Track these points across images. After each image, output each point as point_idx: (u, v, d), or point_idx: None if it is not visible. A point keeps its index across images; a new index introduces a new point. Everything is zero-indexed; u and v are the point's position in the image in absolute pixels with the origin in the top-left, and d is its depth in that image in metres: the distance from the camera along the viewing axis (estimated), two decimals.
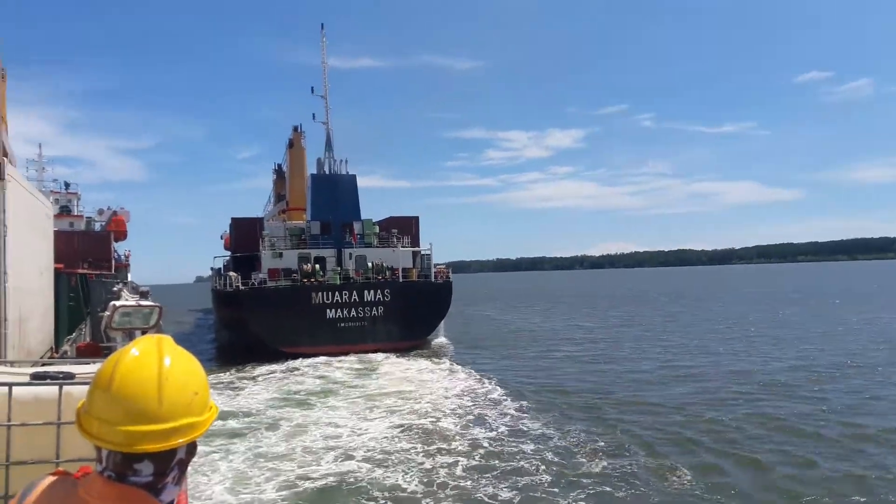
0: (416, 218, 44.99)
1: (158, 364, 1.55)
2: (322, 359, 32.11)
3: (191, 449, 1.64)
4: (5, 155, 7.61)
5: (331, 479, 14.14)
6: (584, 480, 13.83)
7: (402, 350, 34.76)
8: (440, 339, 40.22)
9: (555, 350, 35.83)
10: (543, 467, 14.62)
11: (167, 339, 1.65)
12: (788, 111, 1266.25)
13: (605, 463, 14.95)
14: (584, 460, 15.18)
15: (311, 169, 50.27)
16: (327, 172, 45.03)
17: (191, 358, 1.66)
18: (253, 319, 34.13)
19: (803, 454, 15.37)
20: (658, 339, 39.68)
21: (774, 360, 29.19)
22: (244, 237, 43.76)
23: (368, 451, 16.11)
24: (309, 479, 14.14)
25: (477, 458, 15.47)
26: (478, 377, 26.56)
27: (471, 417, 19.61)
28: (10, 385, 3.74)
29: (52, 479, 1.65)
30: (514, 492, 13.17)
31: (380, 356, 32.95)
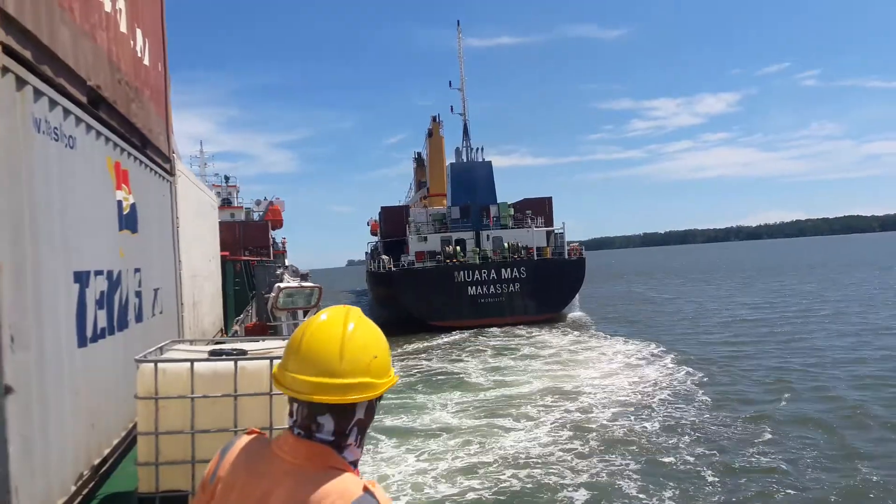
0: (550, 198, 45.54)
1: (343, 327, 1.66)
2: (466, 339, 32.50)
3: (369, 412, 1.71)
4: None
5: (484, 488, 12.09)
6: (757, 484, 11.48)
7: (539, 323, 35.47)
8: (576, 313, 40.19)
9: (705, 326, 32.82)
10: (709, 470, 12.38)
11: (355, 309, 1.75)
12: None
13: (777, 461, 12.56)
14: (762, 462, 12.83)
15: (449, 156, 53.06)
16: (465, 160, 47.16)
17: (375, 327, 1.74)
18: (405, 297, 36.46)
19: None
20: (842, 315, 33.85)
21: None
22: (392, 223, 46.24)
23: (521, 453, 13.90)
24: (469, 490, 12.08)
25: (640, 457, 13.38)
26: (623, 357, 24.63)
27: (625, 409, 17.20)
28: (192, 361, 3.99)
29: (248, 437, 1.81)
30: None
31: (527, 337, 32.22)
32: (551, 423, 16.18)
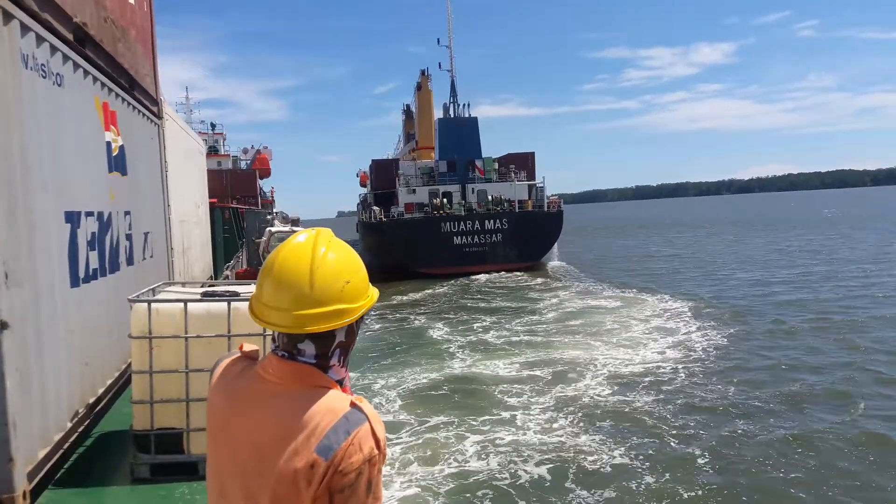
0: (532, 153, 46.35)
1: (312, 254, 1.58)
2: (455, 293, 31.58)
3: (350, 334, 1.66)
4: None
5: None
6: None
7: (519, 270, 37.25)
8: (555, 262, 41.87)
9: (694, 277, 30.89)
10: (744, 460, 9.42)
11: (325, 232, 1.65)
12: None
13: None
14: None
15: (437, 109, 53.43)
16: (452, 116, 47.98)
17: (347, 249, 1.66)
18: (394, 246, 37.80)
19: None
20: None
21: None
22: (383, 176, 46.72)
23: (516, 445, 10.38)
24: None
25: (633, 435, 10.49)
26: (606, 309, 22.49)
27: (615, 377, 13.79)
28: (186, 301, 3.94)
29: (236, 355, 1.76)
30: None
31: (514, 292, 30.53)
32: (546, 402, 12.60)
